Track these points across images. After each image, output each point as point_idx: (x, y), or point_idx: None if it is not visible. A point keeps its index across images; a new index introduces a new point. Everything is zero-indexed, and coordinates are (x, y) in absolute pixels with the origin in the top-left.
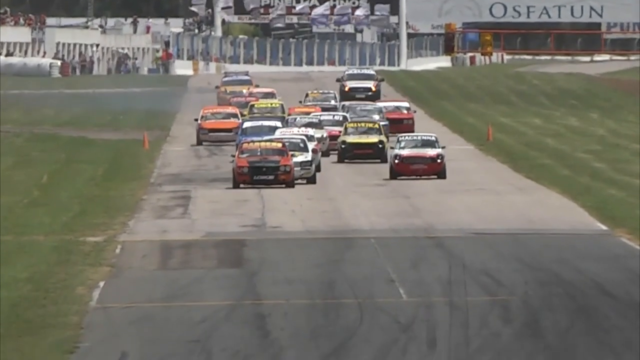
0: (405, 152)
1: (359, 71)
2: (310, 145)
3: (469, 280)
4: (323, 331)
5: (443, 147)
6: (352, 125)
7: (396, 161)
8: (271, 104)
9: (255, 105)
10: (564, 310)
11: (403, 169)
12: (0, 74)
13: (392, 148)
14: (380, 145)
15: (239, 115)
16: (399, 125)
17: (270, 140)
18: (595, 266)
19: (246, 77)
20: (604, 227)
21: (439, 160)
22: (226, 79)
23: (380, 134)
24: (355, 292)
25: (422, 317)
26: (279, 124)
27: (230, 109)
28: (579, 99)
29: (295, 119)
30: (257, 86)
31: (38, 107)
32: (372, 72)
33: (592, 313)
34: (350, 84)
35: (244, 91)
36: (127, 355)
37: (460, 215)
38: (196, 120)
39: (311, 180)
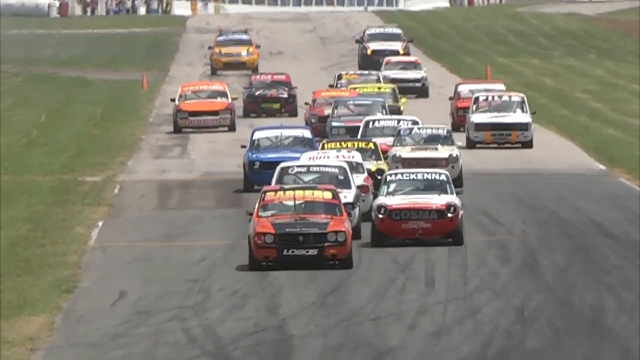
0: (394, 201)
1: (382, 30)
2: (358, 179)
3: (468, 220)
4: (322, 271)
5: (458, 192)
6: (332, 145)
7: (380, 216)
8: (379, 88)
9: (357, 90)
10: (562, 250)
11: (391, 229)
12: None
13: (373, 194)
14: (378, 177)
15: (228, 94)
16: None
17: (313, 187)
18: (594, 206)
19: (245, 37)
20: (602, 167)
21: (449, 215)
22: (221, 38)
23: (378, 158)
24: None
25: (421, 257)
26: (307, 132)
27: (217, 85)
28: (578, 39)
29: (397, 155)
30: (257, 47)
31: (37, 47)
32: (398, 30)
33: (591, 252)
34: (372, 46)
35: (243, 53)
36: (125, 294)
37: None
38: (173, 100)
39: (354, 234)
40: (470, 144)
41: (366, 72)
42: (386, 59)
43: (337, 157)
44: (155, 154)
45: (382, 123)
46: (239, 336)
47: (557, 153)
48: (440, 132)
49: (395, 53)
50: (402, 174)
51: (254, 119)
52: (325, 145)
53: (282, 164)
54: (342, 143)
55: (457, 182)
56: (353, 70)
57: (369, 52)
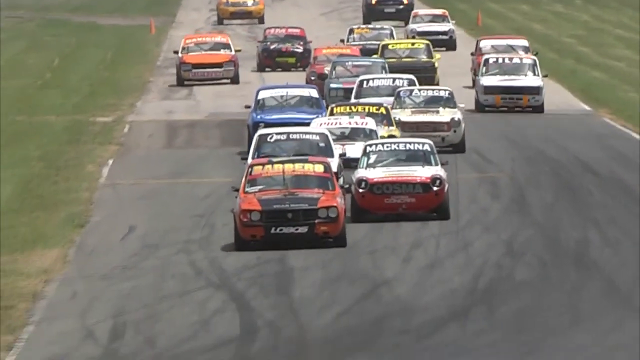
0: (375, 174)
1: None
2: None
3: (459, 157)
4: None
5: (444, 163)
6: (341, 109)
7: (360, 190)
8: (413, 43)
9: (390, 46)
10: (550, 187)
11: (372, 204)
12: None
13: (341, 156)
14: None
15: (232, 46)
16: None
17: (303, 160)
18: (580, 145)
19: None
20: (587, 108)
21: (435, 188)
22: None
23: (390, 124)
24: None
25: None
26: (314, 92)
27: (220, 37)
28: None
29: (396, 119)
30: None
31: None
32: None
33: (577, 189)
34: None
35: (249, 2)
36: (134, 228)
37: None
38: (176, 52)
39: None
40: (480, 108)
41: (378, 25)
42: (413, 12)
43: (350, 123)
44: (163, 95)
45: (377, 82)
46: (242, 268)
47: (545, 95)
48: (442, 93)
49: (399, 3)
50: (382, 144)
51: (269, 73)
52: (335, 110)
53: (260, 131)
54: (353, 107)
55: (460, 147)
56: (358, 23)
57: (373, 1)
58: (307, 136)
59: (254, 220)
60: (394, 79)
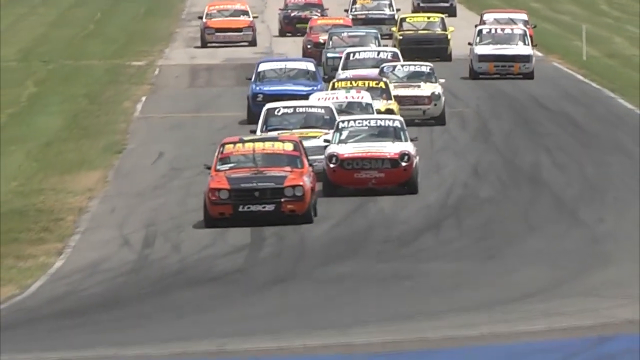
0: (346, 150)
1: None
2: None
3: None
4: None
5: (414, 139)
6: (343, 83)
7: (332, 165)
8: (428, 17)
9: (408, 19)
10: (508, 119)
11: (343, 179)
12: None
13: (326, 142)
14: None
15: (250, 13)
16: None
17: (274, 139)
18: (533, 84)
19: None
20: (539, 54)
21: (403, 163)
22: None
23: (389, 98)
24: None
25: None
26: (311, 65)
27: (239, 5)
28: None
29: None
30: None
31: None
32: None
33: (530, 121)
34: None
35: None
36: (163, 154)
37: None
38: (200, 18)
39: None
40: (474, 75)
41: None
42: None
43: (346, 97)
44: (187, 43)
45: (362, 55)
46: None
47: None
48: (424, 69)
49: None
50: (354, 120)
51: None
52: (336, 84)
53: (268, 105)
54: (353, 82)
55: (440, 119)
56: None
57: None
58: (313, 109)
59: (223, 199)
60: (379, 52)
